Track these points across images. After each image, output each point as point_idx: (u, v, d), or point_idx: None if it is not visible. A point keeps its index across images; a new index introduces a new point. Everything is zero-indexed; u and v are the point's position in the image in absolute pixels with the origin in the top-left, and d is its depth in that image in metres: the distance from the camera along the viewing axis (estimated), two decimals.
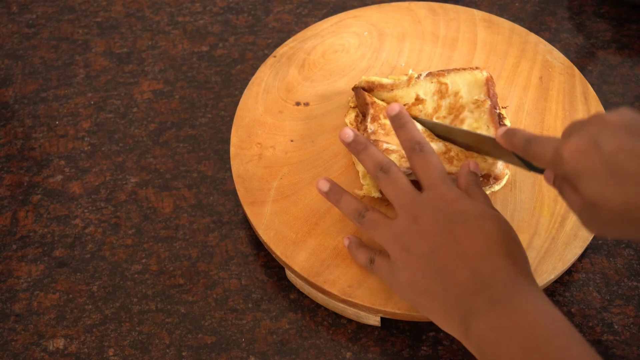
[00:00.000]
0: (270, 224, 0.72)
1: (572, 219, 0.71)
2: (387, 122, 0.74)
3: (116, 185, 0.80)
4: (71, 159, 0.82)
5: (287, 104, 0.80)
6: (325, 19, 0.87)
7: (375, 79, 0.77)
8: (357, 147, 0.69)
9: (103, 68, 0.90)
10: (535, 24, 0.92)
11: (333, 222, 0.72)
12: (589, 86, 0.80)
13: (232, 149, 0.77)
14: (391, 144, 0.72)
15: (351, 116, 0.78)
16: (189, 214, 0.78)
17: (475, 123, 0.74)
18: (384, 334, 0.70)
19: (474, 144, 0.71)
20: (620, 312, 0.70)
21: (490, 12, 0.91)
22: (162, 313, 0.72)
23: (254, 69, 0.87)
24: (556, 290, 0.71)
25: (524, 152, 0.61)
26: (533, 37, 0.85)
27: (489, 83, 0.75)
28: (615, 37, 0.90)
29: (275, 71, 0.83)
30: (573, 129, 0.56)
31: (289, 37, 0.88)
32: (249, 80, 0.83)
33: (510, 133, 0.63)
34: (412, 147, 0.67)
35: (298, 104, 0.80)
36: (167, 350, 0.69)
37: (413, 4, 0.88)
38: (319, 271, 0.69)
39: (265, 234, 0.71)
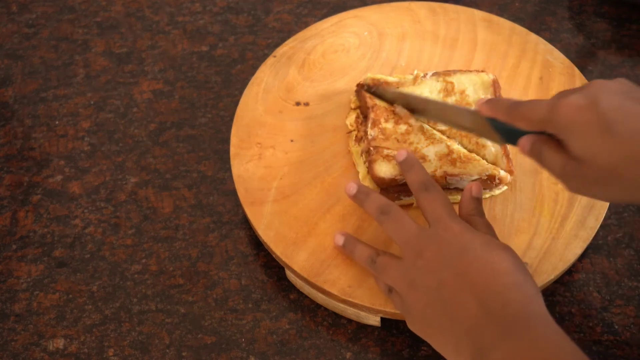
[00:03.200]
0: (270, 224, 0.72)
1: (573, 219, 0.71)
2: (388, 126, 0.74)
3: (116, 185, 0.80)
4: (71, 159, 0.82)
5: (287, 104, 0.80)
6: (325, 19, 0.87)
7: (380, 76, 0.78)
8: (361, 197, 0.69)
9: (103, 68, 0.90)
10: (535, 24, 0.92)
11: (333, 222, 0.72)
12: None
13: (232, 149, 0.77)
14: (392, 150, 0.73)
15: (351, 117, 0.78)
16: (189, 214, 0.78)
17: None
18: (384, 334, 0.70)
19: (452, 118, 0.71)
20: (620, 312, 0.70)
21: (490, 12, 0.91)
22: (162, 313, 0.72)
23: (254, 69, 0.87)
24: (556, 290, 0.71)
25: (510, 115, 0.62)
26: (533, 37, 0.85)
27: (495, 85, 0.76)
28: (616, 37, 0.90)
29: (275, 71, 0.83)
30: (567, 91, 0.58)
31: (289, 37, 0.88)
32: (249, 80, 0.83)
33: (494, 100, 0.65)
34: (419, 188, 0.67)
35: (298, 103, 0.80)
36: (167, 350, 0.69)
37: (413, 4, 0.88)
38: (319, 271, 0.69)
39: (265, 234, 0.71)
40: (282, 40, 0.89)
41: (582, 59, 0.88)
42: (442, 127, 0.75)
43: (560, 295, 0.71)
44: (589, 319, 0.70)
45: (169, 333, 0.70)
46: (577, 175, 0.57)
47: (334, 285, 0.68)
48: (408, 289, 0.62)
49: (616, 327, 0.69)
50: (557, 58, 0.83)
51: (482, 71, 0.77)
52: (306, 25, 0.91)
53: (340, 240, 0.69)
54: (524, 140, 0.61)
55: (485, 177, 0.71)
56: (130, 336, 0.70)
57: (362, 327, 0.70)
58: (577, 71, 0.81)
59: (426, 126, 0.74)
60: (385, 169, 0.71)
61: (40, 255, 0.76)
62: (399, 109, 0.75)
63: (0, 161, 0.83)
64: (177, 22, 0.94)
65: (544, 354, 0.54)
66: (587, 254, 0.73)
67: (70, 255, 0.76)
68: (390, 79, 0.77)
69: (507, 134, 0.64)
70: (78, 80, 0.89)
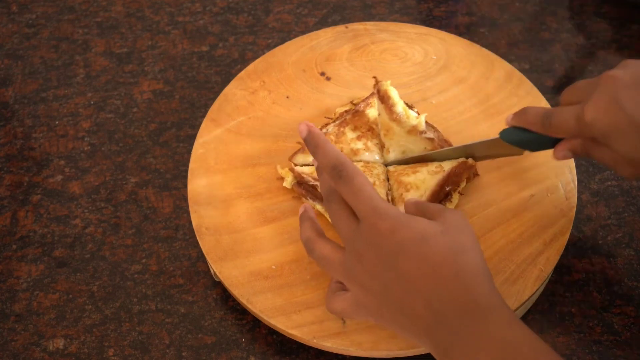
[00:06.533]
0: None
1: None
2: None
3: (116, 185, 0.80)
4: (71, 159, 0.82)
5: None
6: (414, 25, 0.86)
7: (394, 96, 0.75)
8: (311, 147, 0.63)
9: (103, 68, 0.90)
10: (535, 24, 0.92)
11: None
12: None
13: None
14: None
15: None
16: (189, 213, 0.78)
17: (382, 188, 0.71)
18: None
19: (476, 153, 0.72)
20: (620, 312, 0.70)
21: (491, 12, 0.91)
22: (162, 313, 0.72)
23: None
24: (556, 290, 0.71)
25: (543, 127, 0.64)
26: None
27: (441, 184, 0.71)
28: (616, 37, 0.90)
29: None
30: (585, 92, 0.61)
31: (289, 37, 0.88)
32: None
33: (523, 112, 0.66)
34: (331, 175, 0.59)
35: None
36: (167, 350, 0.69)
37: (500, 60, 0.82)
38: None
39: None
40: (282, 40, 0.89)
41: (582, 59, 0.88)
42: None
43: (560, 295, 0.71)
44: (589, 319, 0.70)
45: (169, 333, 0.70)
46: (629, 168, 0.62)
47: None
48: (359, 290, 0.58)
49: (616, 327, 0.69)
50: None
51: (443, 170, 0.72)
52: (306, 25, 0.91)
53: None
54: (564, 147, 0.65)
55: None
56: (130, 336, 0.70)
57: None
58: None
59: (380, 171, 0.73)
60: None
61: (40, 255, 0.76)
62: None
63: (0, 161, 0.83)
64: (177, 22, 0.94)
65: (502, 345, 0.52)
66: (587, 254, 0.73)
67: (70, 255, 0.76)
68: (398, 107, 0.74)
69: (534, 143, 0.66)
70: (78, 80, 0.89)
